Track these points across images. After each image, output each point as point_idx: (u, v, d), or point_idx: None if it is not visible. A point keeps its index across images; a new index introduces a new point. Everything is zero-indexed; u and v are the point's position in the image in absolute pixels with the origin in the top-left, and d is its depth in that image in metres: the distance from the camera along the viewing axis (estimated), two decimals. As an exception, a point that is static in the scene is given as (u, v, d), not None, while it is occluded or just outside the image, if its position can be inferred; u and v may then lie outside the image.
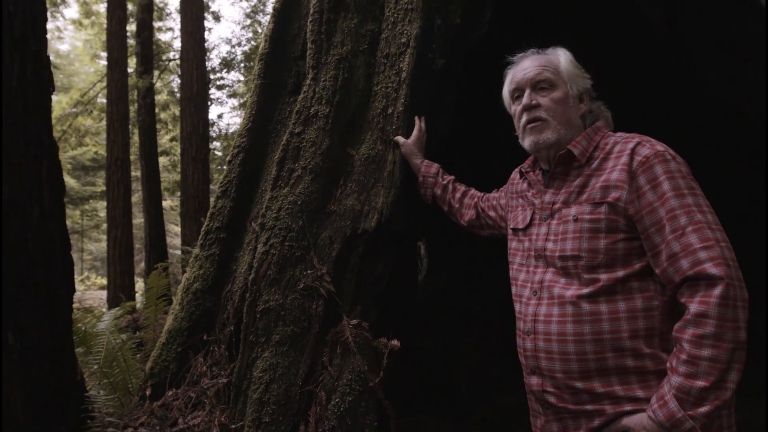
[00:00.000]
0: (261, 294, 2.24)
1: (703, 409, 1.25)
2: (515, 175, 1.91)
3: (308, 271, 2.23)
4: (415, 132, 2.41)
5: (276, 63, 2.93)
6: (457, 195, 2.24)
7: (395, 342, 2.11)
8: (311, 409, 2.00)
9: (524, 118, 1.64)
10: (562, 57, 1.66)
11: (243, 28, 18.30)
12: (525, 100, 1.63)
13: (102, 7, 14.27)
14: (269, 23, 3.03)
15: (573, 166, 1.58)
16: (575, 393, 1.44)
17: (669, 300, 1.40)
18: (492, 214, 2.06)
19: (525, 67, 1.67)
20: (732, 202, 3.76)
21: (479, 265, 5.20)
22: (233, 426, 2.06)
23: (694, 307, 1.29)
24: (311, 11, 2.78)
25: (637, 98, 4.19)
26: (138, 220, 19.45)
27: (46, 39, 1.92)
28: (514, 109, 1.71)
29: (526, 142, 1.66)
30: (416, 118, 2.47)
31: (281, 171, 2.50)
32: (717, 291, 1.26)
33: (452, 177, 2.31)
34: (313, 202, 2.37)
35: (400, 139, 2.40)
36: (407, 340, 4.23)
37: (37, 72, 1.82)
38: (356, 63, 2.64)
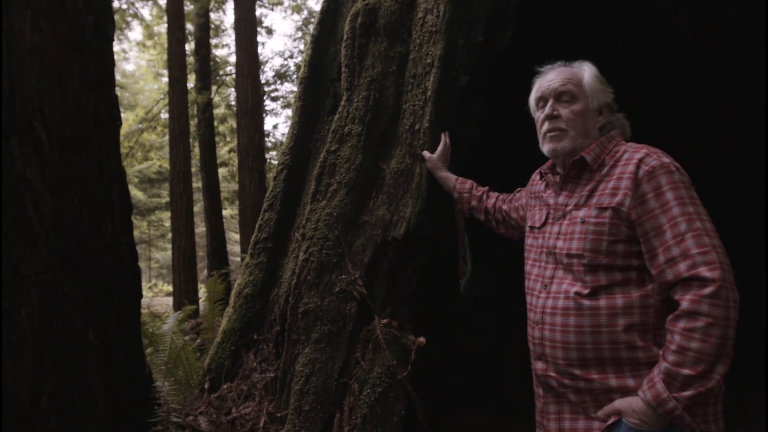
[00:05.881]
0: (302, 297, 2.50)
1: (687, 393, 1.38)
2: (535, 176, 2.03)
3: (343, 276, 2.46)
4: (440, 147, 2.56)
5: (315, 86, 3.19)
6: (491, 201, 2.34)
7: (422, 339, 2.31)
8: (346, 399, 2.24)
9: (545, 126, 1.77)
10: (586, 71, 1.76)
11: (294, 40, 18.88)
12: (548, 109, 1.76)
13: (163, 28, 15.08)
14: (307, 49, 3.30)
15: (585, 171, 1.71)
16: (574, 379, 1.58)
17: (664, 299, 1.51)
18: (514, 215, 2.19)
19: (551, 78, 1.78)
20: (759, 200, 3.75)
21: (522, 268, 5.29)
22: (279, 414, 2.32)
23: (686, 303, 1.40)
24: (344, 37, 3.03)
25: (659, 100, 4.23)
26: (200, 229, 20.28)
27: (114, 81, 2.25)
28: (538, 115, 1.82)
29: (545, 148, 1.79)
30: (442, 134, 2.62)
31: (319, 186, 2.75)
32: (708, 290, 1.37)
33: (486, 188, 2.42)
34: (348, 214, 2.60)
35: (426, 153, 2.56)
36: (452, 341, 4.39)
37: (108, 111, 2.14)
38: (386, 84, 2.85)
